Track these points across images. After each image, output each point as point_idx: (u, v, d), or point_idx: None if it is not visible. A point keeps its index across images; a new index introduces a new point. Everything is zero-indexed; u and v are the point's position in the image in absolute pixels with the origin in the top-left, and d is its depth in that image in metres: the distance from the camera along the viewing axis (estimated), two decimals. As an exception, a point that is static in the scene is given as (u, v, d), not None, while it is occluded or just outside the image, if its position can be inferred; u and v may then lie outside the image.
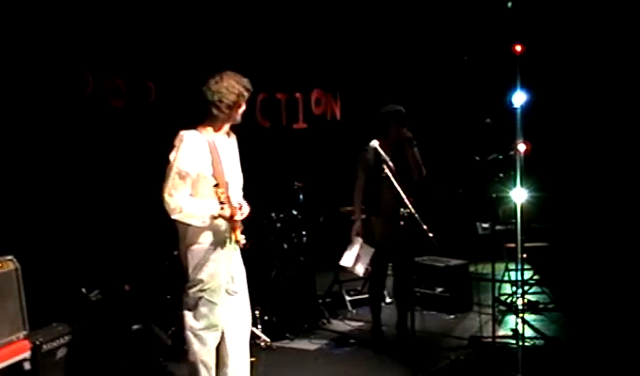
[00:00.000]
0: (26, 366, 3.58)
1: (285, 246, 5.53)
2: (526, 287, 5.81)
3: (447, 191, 7.80)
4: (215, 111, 3.46)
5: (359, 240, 4.94)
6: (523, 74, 4.29)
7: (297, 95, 7.68)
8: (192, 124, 3.50)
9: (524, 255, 4.78)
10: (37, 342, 3.64)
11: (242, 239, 3.53)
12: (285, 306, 5.29)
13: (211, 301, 3.46)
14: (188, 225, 3.40)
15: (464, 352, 4.81)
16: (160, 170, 5.83)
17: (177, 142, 3.40)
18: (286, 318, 5.26)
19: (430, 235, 3.81)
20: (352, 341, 5.20)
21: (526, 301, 5.64)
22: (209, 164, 3.41)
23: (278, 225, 5.52)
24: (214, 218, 3.38)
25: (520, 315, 5.00)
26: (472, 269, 6.19)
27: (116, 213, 5.43)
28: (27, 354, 3.58)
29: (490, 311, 5.02)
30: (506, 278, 6.15)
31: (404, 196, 3.95)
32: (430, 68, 8.27)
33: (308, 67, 7.61)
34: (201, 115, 3.52)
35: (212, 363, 3.53)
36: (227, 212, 3.37)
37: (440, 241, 3.83)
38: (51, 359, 3.71)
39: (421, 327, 4.81)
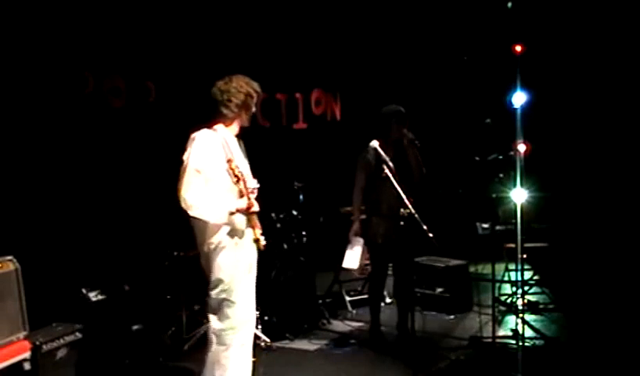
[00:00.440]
0: (26, 366, 3.57)
1: (285, 246, 5.53)
2: (526, 288, 5.81)
3: (447, 191, 7.80)
4: (225, 110, 3.54)
5: (360, 240, 4.94)
6: (523, 74, 4.29)
7: (297, 95, 7.68)
8: (200, 124, 3.53)
9: (524, 255, 4.78)
10: (37, 342, 3.63)
11: (262, 239, 3.55)
12: (285, 306, 5.29)
13: (232, 301, 3.47)
14: (206, 223, 3.39)
15: (464, 352, 4.81)
16: (160, 170, 5.86)
17: (189, 142, 3.44)
18: (286, 318, 5.25)
19: (430, 235, 3.81)
20: (352, 341, 5.20)
21: (526, 301, 5.64)
22: (223, 160, 3.43)
23: (278, 225, 5.52)
24: (232, 213, 3.39)
25: (520, 315, 5.01)
26: (472, 269, 6.20)
27: (116, 213, 5.43)
28: (27, 354, 3.58)
29: (490, 311, 5.02)
30: (506, 278, 6.15)
31: (404, 196, 3.95)
32: (430, 68, 8.27)
33: (308, 67, 7.61)
34: (211, 115, 3.58)
35: (229, 364, 3.52)
36: (244, 203, 3.40)
37: (440, 241, 3.83)
38: (51, 360, 3.70)
39: (421, 327, 4.81)
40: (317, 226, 6.38)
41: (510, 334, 5.03)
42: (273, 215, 5.54)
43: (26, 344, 3.60)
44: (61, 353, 3.78)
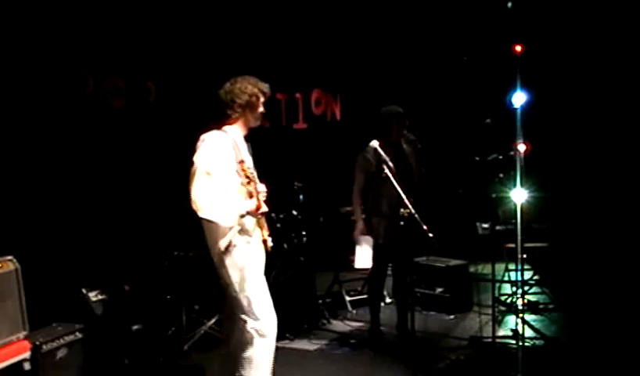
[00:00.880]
0: (26, 366, 3.57)
1: (285, 246, 5.53)
2: (526, 288, 5.81)
3: (447, 191, 7.79)
4: (229, 111, 3.55)
5: (367, 238, 4.93)
6: (523, 74, 4.29)
7: (297, 95, 7.68)
8: (206, 125, 3.55)
9: (524, 255, 4.77)
10: (37, 342, 3.63)
11: (269, 240, 3.59)
12: (285, 306, 5.26)
13: (257, 295, 3.50)
14: (217, 225, 3.39)
15: (464, 352, 4.81)
16: (160, 170, 5.88)
17: (199, 144, 3.44)
18: (286, 318, 5.23)
19: (430, 235, 3.81)
20: (352, 341, 5.20)
21: (526, 301, 5.64)
22: (233, 160, 3.43)
23: (278, 225, 5.52)
24: (242, 216, 3.40)
25: (520, 315, 5.00)
26: (472, 269, 6.20)
27: (116, 213, 5.43)
28: (27, 354, 3.58)
29: (490, 311, 5.01)
30: (506, 278, 6.14)
31: (404, 196, 3.95)
32: (430, 68, 8.27)
33: (308, 67, 7.61)
34: (219, 117, 3.59)
35: (272, 356, 3.55)
36: (253, 204, 3.43)
37: (440, 241, 3.83)
38: (51, 360, 3.70)
39: (421, 327, 4.81)
40: (317, 226, 6.38)
41: (510, 334, 5.03)
42: (273, 215, 5.54)
43: (26, 344, 3.60)
44: (61, 353, 3.78)
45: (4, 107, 4.72)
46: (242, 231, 3.48)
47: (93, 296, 4.31)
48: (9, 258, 3.68)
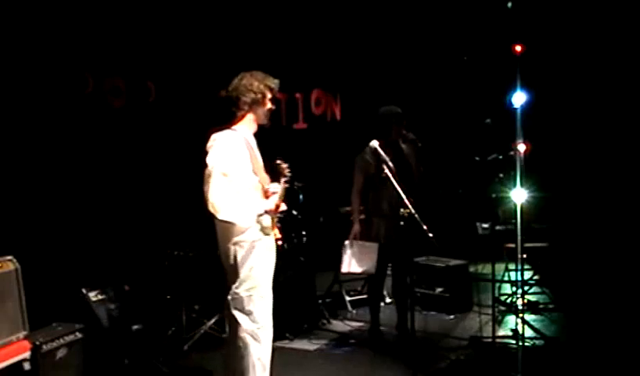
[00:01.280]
0: (26, 366, 3.56)
1: (285, 246, 5.52)
2: (526, 288, 5.81)
3: (447, 191, 7.79)
4: (235, 109, 3.51)
5: (361, 243, 4.90)
6: (523, 74, 4.28)
7: (297, 95, 7.68)
8: (211, 125, 3.53)
9: (524, 255, 4.77)
10: (37, 342, 3.63)
11: (279, 236, 3.58)
12: (285, 306, 5.27)
13: (262, 297, 3.46)
14: (233, 225, 3.36)
15: (464, 352, 4.81)
16: (160, 170, 5.87)
17: (212, 143, 3.39)
18: (286, 318, 5.24)
19: (430, 235, 3.80)
20: (352, 341, 5.20)
21: (526, 301, 5.64)
22: (248, 160, 3.43)
23: (279, 225, 5.50)
24: (260, 215, 3.40)
25: (520, 315, 5.00)
26: (472, 269, 6.20)
27: (116, 213, 5.43)
28: (27, 354, 3.57)
29: (490, 311, 5.01)
30: (506, 278, 6.14)
31: (404, 196, 3.95)
32: (430, 68, 8.26)
33: (308, 67, 7.61)
34: (228, 115, 3.54)
35: (268, 361, 3.52)
36: (272, 204, 3.42)
37: (440, 241, 3.82)
38: (51, 360, 3.70)
39: (421, 327, 4.81)
40: (317, 226, 6.38)
41: (510, 334, 5.03)
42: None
43: (26, 344, 3.60)
44: (61, 353, 3.78)
45: (4, 107, 4.72)
46: (259, 230, 3.45)
47: (93, 296, 4.30)
48: (9, 258, 3.67)
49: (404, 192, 3.96)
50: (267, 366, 3.52)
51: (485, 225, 6.38)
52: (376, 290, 5.21)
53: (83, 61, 5.31)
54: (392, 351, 4.86)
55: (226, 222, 3.34)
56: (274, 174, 3.63)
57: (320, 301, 5.84)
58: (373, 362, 4.70)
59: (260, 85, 3.51)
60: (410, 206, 3.90)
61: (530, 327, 5.22)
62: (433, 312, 5.79)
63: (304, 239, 5.70)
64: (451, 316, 5.72)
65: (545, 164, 6.32)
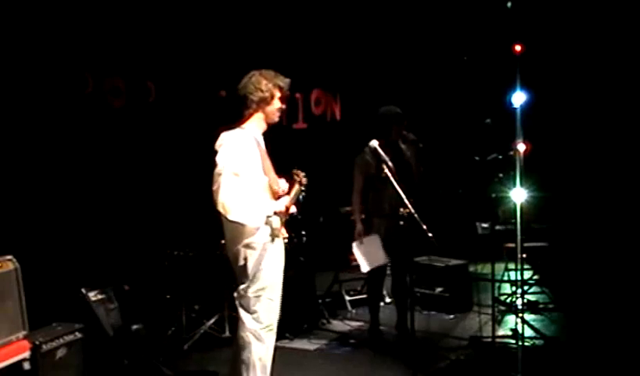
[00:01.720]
0: (26, 366, 3.56)
1: (287, 246, 5.51)
2: (525, 287, 5.81)
3: (447, 191, 7.79)
4: (243, 107, 3.48)
5: (369, 238, 4.89)
6: (523, 74, 4.29)
7: (297, 95, 7.68)
8: (213, 125, 3.53)
9: (524, 255, 4.77)
10: (37, 342, 3.62)
11: (285, 235, 3.55)
12: (284, 306, 5.27)
13: (270, 299, 3.44)
14: (243, 225, 3.33)
15: (464, 352, 4.81)
16: (160, 170, 5.87)
17: (221, 142, 3.36)
18: (286, 318, 5.23)
19: (430, 235, 3.80)
20: (352, 341, 5.20)
21: (525, 301, 5.63)
22: (258, 159, 3.41)
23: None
24: (269, 216, 3.38)
25: (520, 315, 5.00)
26: (471, 269, 6.20)
27: (116, 213, 5.43)
28: (27, 354, 3.57)
29: (489, 311, 5.01)
30: (506, 278, 6.15)
31: (404, 196, 3.95)
32: (430, 68, 8.26)
33: (308, 67, 7.61)
34: (237, 113, 3.51)
35: (269, 361, 3.49)
36: (282, 206, 3.40)
37: (439, 241, 3.82)
38: (50, 359, 3.70)
39: (421, 327, 4.81)
40: (317, 226, 6.38)
41: (510, 333, 5.03)
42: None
43: (26, 343, 3.60)
44: (60, 353, 3.78)
45: (4, 107, 4.72)
46: (268, 231, 3.42)
47: (93, 296, 4.30)
48: (9, 257, 3.67)
49: (403, 192, 3.96)
50: (268, 368, 3.49)
51: (485, 225, 6.38)
52: (376, 290, 5.21)
53: (83, 61, 5.32)
54: (392, 351, 4.86)
55: (236, 222, 3.30)
56: (290, 182, 3.62)
57: (320, 301, 5.84)
58: (373, 362, 4.70)
59: (268, 84, 3.47)
60: (410, 206, 3.90)
61: (530, 326, 5.22)
62: (432, 312, 5.79)
63: (304, 239, 5.69)
64: (451, 316, 5.72)
65: (545, 164, 6.33)
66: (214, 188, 3.25)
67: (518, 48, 4.26)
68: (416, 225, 3.85)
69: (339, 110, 8.31)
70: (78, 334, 3.92)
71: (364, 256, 4.86)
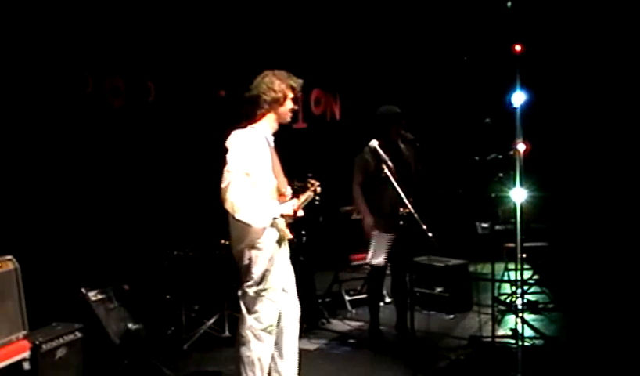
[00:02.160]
0: (26, 366, 3.57)
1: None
2: (525, 287, 5.81)
3: (447, 191, 7.79)
4: (255, 107, 3.47)
5: (375, 232, 4.90)
6: (523, 74, 4.29)
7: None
8: (213, 125, 3.52)
9: (524, 255, 4.78)
10: (37, 342, 3.63)
11: (290, 236, 3.55)
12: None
13: (272, 300, 3.44)
14: (249, 225, 3.32)
15: (464, 352, 4.81)
16: (159, 170, 5.86)
17: (231, 141, 3.35)
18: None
19: (430, 235, 3.80)
20: (352, 341, 5.20)
21: (525, 301, 5.63)
22: (268, 160, 3.40)
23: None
24: (275, 218, 3.37)
25: (520, 315, 5.00)
26: (471, 268, 6.20)
27: (116, 213, 5.43)
28: (27, 354, 3.57)
29: (489, 311, 5.01)
30: (506, 278, 6.14)
31: (403, 196, 3.95)
32: (430, 68, 8.26)
33: (308, 67, 7.59)
34: (249, 113, 3.50)
35: (267, 361, 3.50)
36: (290, 209, 3.40)
37: (439, 241, 3.82)
38: (50, 359, 3.70)
39: (421, 326, 4.81)
40: (317, 226, 6.38)
41: (510, 333, 5.03)
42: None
43: (26, 343, 3.60)
44: (60, 353, 3.78)
45: (4, 108, 4.72)
46: (274, 232, 3.42)
47: (93, 296, 4.31)
48: (9, 257, 3.67)
49: (403, 192, 3.96)
50: (265, 369, 3.50)
51: (485, 225, 6.38)
52: (376, 289, 5.21)
53: (83, 61, 5.32)
54: (392, 351, 4.86)
55: (242, 222, 3.29)
56: (304, 189, 3.63)
57: (320, 300, 5.84)
58: (373, 362, 4.70)
59: (281, 84, 3.49)
60: (409, 206, 3.90)
61: (530, 326, 5.22)
62: (432, 312, 5.79)
63: (304, 238, 5.69)
64: (451, 316, 5.72)
65: (545, 163, 6.33)
66: (223, 185, 3.25)
67: (518, 48, 4.26)
68: (416, 225, 3.85)
69: (339, 109, 8.31)
70: (78, 334, 3.92)
71: (373, 248, 4.88)
